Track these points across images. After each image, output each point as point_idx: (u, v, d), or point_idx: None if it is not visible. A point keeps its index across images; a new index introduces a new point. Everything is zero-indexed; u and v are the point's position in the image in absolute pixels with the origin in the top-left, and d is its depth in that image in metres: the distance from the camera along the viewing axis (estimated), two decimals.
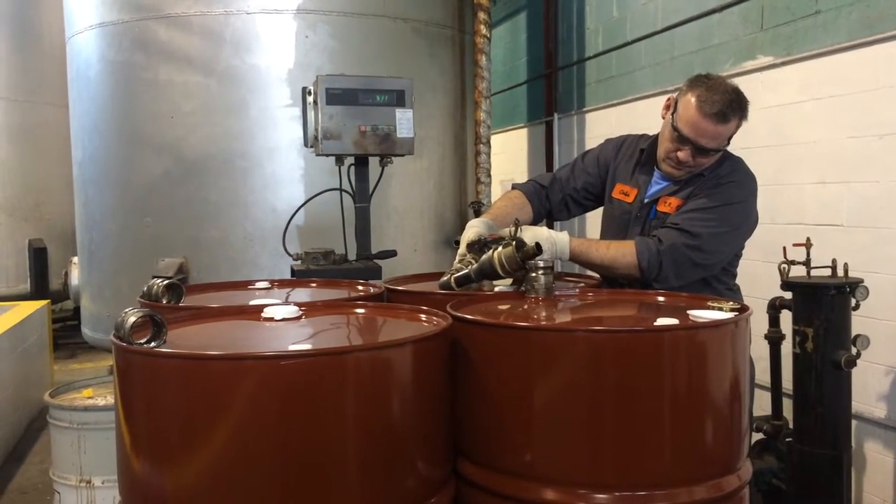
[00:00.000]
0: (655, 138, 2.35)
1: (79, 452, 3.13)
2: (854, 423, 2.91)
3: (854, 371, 2.70)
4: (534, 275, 1.90)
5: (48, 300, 6.43)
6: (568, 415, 1.47)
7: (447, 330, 1.51)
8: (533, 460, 1.49)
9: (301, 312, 1.71)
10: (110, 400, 3.28)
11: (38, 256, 7.49)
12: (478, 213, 4.99)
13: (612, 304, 1.99)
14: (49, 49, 7.48)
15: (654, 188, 2.34)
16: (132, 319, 1.32)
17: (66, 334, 7.65)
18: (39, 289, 7.40)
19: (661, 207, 2.29)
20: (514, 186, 2.57)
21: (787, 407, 2.91)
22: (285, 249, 2.95)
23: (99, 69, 4.40)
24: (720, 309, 1.65)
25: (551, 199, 2.52)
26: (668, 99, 2.29)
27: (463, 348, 1.56)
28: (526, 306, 1.87)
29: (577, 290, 2.06)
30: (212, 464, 1.30)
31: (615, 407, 1.46)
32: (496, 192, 5.86)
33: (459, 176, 4.92)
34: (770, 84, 3.60)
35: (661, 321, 1.56)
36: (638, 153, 2.39)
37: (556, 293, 1.94)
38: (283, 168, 4.12)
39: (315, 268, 2.69)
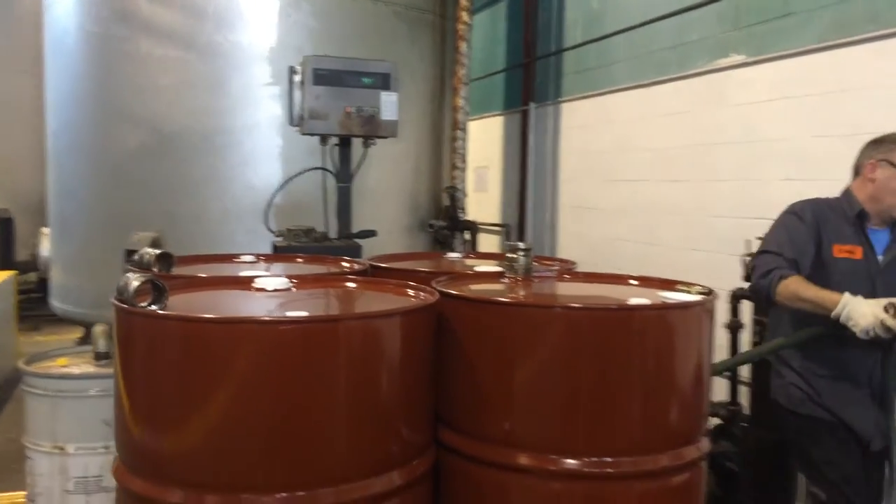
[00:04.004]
0: (850, 199, 2.49)
1: (53, 420, 3.14)
2: None
3: None
4: (514, 255, 1.99)
5: (15, 271, 6.34)
6: (544, 386, 1.56)
7: (434, 304, 1.59)
8: (510, 428, 1.58)
9: (292, 284, 1.77)
10: (85, 369, 3.29)
11: (4, 227, 7.37)
12: (453, 198, 5.02)
13: (589, 285, 2.09)
14: (25, 16, 7.31)
15: (879, 244, 2.48)
16: (136, 283, 1.37)
17: (29, 306, 7.52)
18: (5, 260, 7.28)
19: None
20: (784, 276, 2.42)
21: (744, 394, 3.05)
22: (267, 226, 3.00)
23: (77, 38, 4.36)
24: (688, 292, 1.75)
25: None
26: (871, 163, 2.44)
27: (448, 322, 1.64)
28: (507, 285, 1.96)
29: (555, 273, 2.16)
30: (208, 423, 1.37)
31: (588, 379, 1.56)
32: (471, 177, 5.92)
33: (435, 161, 4.97)
34: (742, 82, 3.72)
35: (634, 301, 1.66)
36: (854, 217, 2.49)
37: (535, 274, 2.03)
38: (261, 145, 4.14)
39: (297, 244, 2.74)
